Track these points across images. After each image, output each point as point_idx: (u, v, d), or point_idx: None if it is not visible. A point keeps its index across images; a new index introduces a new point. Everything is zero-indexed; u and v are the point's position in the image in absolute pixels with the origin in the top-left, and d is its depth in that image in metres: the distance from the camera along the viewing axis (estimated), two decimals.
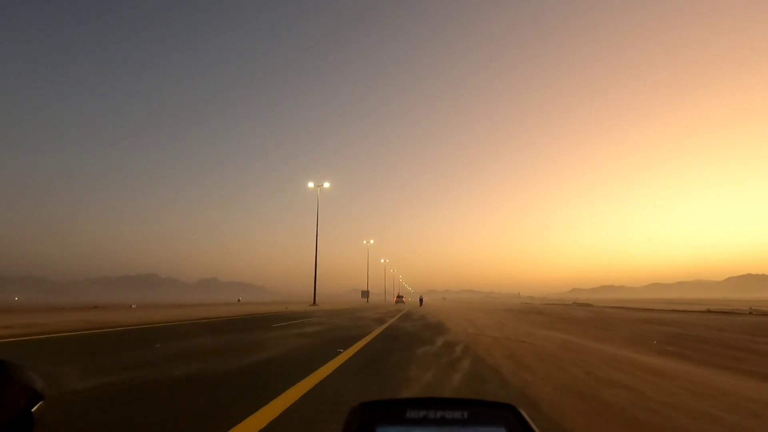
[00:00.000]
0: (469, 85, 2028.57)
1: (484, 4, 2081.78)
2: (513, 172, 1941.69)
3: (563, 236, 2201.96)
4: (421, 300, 59.59)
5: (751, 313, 24.13)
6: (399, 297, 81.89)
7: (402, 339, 9.33)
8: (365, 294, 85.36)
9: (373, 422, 0.74)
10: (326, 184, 42.13)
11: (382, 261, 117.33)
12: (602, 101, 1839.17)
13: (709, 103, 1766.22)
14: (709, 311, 28.33)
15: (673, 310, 30.19)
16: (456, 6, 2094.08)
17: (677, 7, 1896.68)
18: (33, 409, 0.71)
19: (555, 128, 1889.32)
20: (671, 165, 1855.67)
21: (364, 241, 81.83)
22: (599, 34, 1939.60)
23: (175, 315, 18.67)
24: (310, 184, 42.19)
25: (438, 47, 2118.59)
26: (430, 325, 12.95)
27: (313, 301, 40.66)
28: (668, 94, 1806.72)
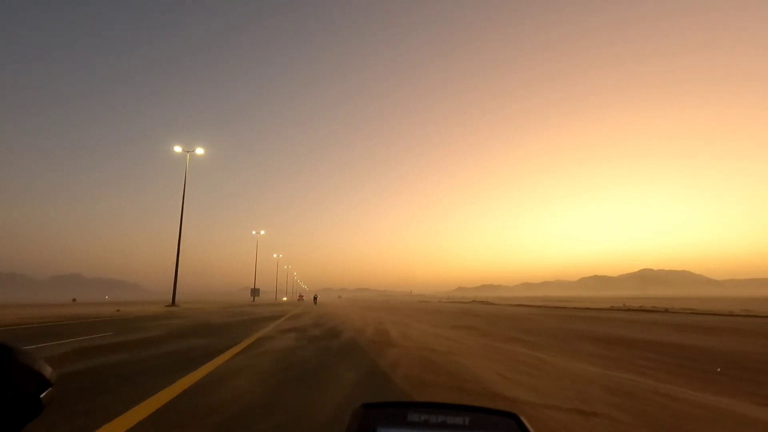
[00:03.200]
0: (370, 90, 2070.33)
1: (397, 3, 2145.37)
2: (406, 178, 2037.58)
3: (449, 239, 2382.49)
4: (315, 298, 53.88)
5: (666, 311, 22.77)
6: (301, 296, 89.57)
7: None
8: (254, 292, 76.73)
9: (374, 424, 0.75)
10: (199, 150, 33.00)
11: (275, 256, 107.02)
12: (488, 118, 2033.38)
13: (574, 125, 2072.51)
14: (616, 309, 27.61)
15: (596, 309, 28.60)
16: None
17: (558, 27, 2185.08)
18: (42, 395, 0.73)
19: (447, 138, 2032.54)
20: (539, 180, 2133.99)
21: (253, 232, 71.81)
22: (478, 55, 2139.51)
23: None
24: (177, 149, 32.68)
25: (337, 45, 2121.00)
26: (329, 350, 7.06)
27: (171, 301, 31.26)
28: (542, 115, 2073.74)
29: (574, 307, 30.70)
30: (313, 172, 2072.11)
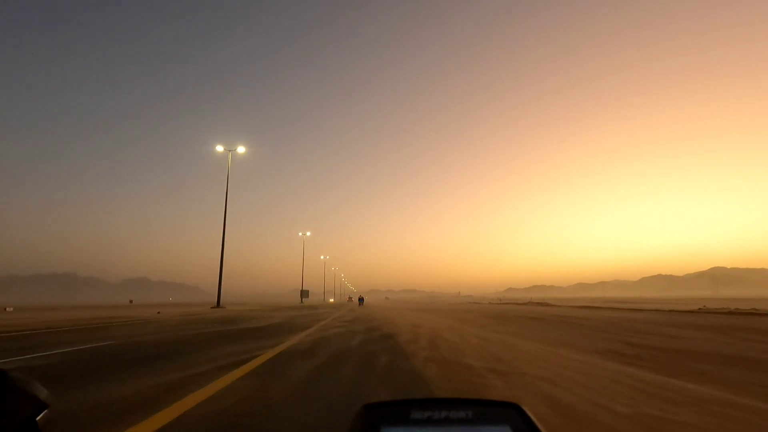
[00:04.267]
0: (419, 90, 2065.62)
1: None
2: (454, 178, 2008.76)
3: (499, 239, 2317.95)
4: (360, 300, 52.68)
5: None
6: (350, 298, 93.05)
7: None
8: (304, 294, 77.73)
9: (377, 423, 0.73)
10: (240, 149, 32.48)
11: (322, 258, 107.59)
12: (540, 115, 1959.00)
13: (631, 123, 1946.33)
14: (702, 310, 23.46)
15: (672, 310, 24.60)
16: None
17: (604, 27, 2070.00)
18: (38, 418, 0.72)
19: (497, 137, 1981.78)
20: (594, 178, 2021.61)
21: (300, 233, 71.99)
22: (535, 48, 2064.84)
23: None
24: (219, 148, 32.36)
25: (387, 46, 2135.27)
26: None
27: (216, 303, 30.84)
28: (600, 112, 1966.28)
29: (680, 311, 26.53)
30: (360, 173, 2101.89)
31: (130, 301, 61.69)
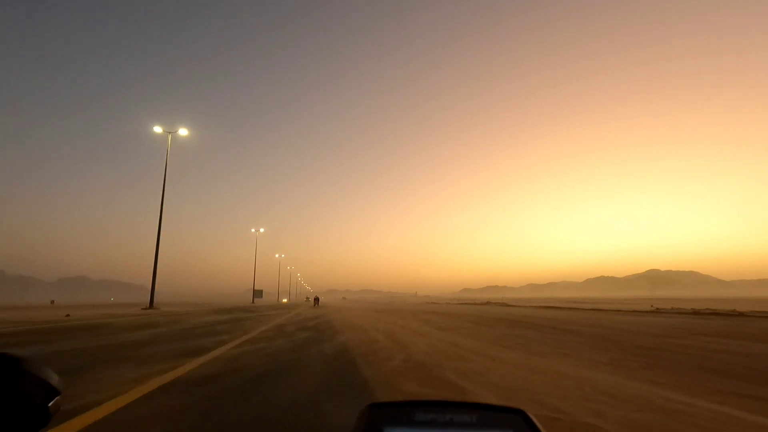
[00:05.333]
0: (376, 92, 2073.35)
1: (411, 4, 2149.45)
2: (412, 181, 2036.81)
3: (454, 241, 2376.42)
4: (316, 300, 50.11)
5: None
6: (308, 298, 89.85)
7: None
8: (258, 294, 75.38)
9: (381, 424, 0.73)
10: (182, 131, 28.81)
11: (277, 256, 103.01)
12: (492, 120, 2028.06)
13: (579, 126, 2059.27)
14: (658, 310, 23.14)
15: (631, 311, 24.03)
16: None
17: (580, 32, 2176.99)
18: (50, 404, 0.74)
19: (451, 140, 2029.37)
20: (545, 183, 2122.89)
21: (252, 229, 67.73)
22: (491, 53, 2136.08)
23: None
24: (158, 129, 28.54)
25: (351, 46, 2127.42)
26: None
27: (149, 304, 27.07)
28: (550, 119, 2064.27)
29: (634, 311, 26.02)
30: (317, 172, 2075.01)
31: (52, 302, 55.49)
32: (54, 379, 0.74)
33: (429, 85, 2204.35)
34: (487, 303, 55.62)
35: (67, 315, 17.56)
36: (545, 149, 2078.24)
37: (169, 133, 28.70)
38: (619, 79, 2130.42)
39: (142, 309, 26.08)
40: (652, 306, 32.79)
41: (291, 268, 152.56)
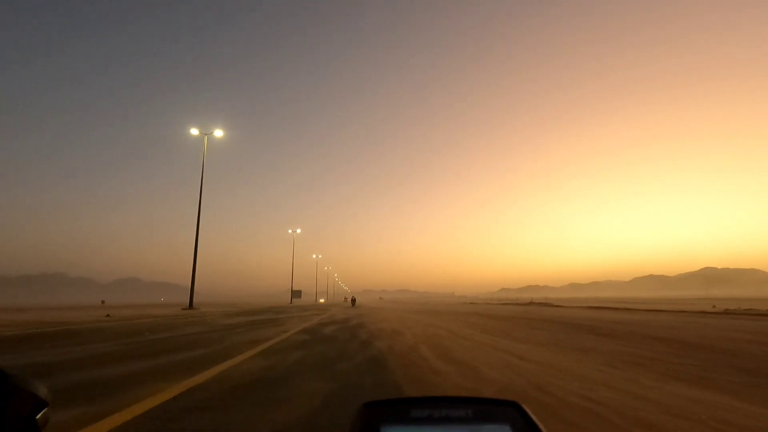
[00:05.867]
0: (415, 88, 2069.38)
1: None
2: (449, 179, 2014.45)
3: (492, 239, 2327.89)
4: (353, 301, 49.91)
5: None
6: (345, 298, 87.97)
7: None
8: (296, 294, 76.64)
9: (377, 422, 0.73)
10: (218, 132, 29.07)
11: (314, 257, 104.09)
12: (536, 117, 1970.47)
13: (623, 124, 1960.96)
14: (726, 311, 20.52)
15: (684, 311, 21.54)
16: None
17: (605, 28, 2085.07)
18: (37, 416, 0.74)
19: (492, 139, 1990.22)
20: (587, 179, 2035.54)
21: (290, 230, 68.55)
22: (526, 50, 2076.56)
23: None
24: (194, 131, 28.91)
25: (383, 47, 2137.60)
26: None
27: (188, 304, 27.40)
28: (593, 113, 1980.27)
29: (701, 311, 23.48)
30: (355, 174, 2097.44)
31: (102, 302, 58.55)
32: (42, 391, 0.73)
33: (464, 81, 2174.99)
34: (530, 303, 53.05)
35: (108, 315, 17.72)
36: (587, 144, 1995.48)
37: (205, 134, 29.02)
38: (666, 71, 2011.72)
39: (182, 309, 26.40)
40: (714, 306, 29.69)
41: (328, 268, 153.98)
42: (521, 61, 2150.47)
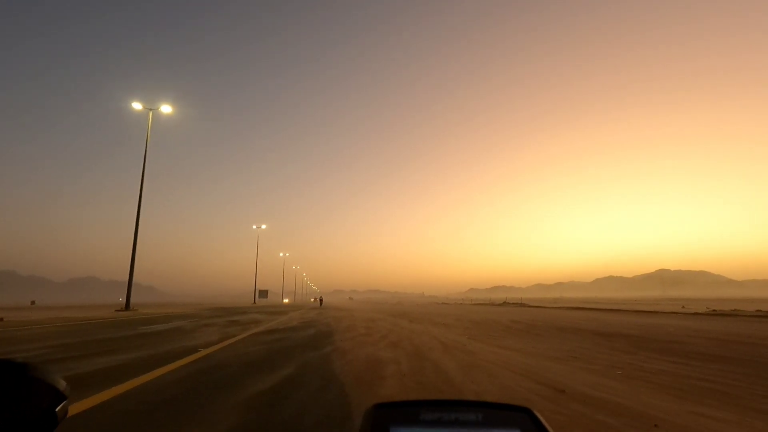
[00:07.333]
0: (383, 88, 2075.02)
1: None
2: (419, 181, 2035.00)
3: (460, 241, 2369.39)
4: (320, 301, 47.17)
5: None
6: (314, 298, 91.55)
7: None
8: (263, 294, 73.61)
9: (387, 423, 0.73)
10: (165, 108, 25.27)
11: (281, 255, 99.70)
12: (502, 120, 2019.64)
13: (588, 126, 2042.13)
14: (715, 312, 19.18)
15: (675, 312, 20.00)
16: None
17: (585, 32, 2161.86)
18: (56, 409, 0.74)
19: (459, 140, 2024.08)
20: (552, 183, 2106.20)
21: (254, 226, 64.43)
22: (500, 52, 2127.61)
23: None
24: (137, 105, 25.02)
25: (360, 44, 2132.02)
26: None
27: (125, 305, 23.55)
28: (557, 119, 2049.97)
29: (672, 312, 21.94)
30: (324, 172, 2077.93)
31: (32, 303, 53.15)
32: (61, 384, 0.73)
33: (437, 84, 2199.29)
34: (504, 303, 51.66)
35: (1, 319, 14.02)
36: (552, 150, 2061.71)
37: (150, 109, 25.21)
38: (624, 81, 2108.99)
39: (116, 311, 22.59)
40: (683, 307, 28.91)
41: (296, 267, 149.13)
42: (491, 66, 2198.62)
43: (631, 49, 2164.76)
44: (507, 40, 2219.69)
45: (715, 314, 19.34)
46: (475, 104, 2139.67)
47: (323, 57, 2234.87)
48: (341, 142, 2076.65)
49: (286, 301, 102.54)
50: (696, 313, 20.41)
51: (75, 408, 2.79)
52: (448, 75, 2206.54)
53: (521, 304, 44.65)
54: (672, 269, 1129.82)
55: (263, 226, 65.24)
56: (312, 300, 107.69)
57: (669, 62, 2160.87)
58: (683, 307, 30.32)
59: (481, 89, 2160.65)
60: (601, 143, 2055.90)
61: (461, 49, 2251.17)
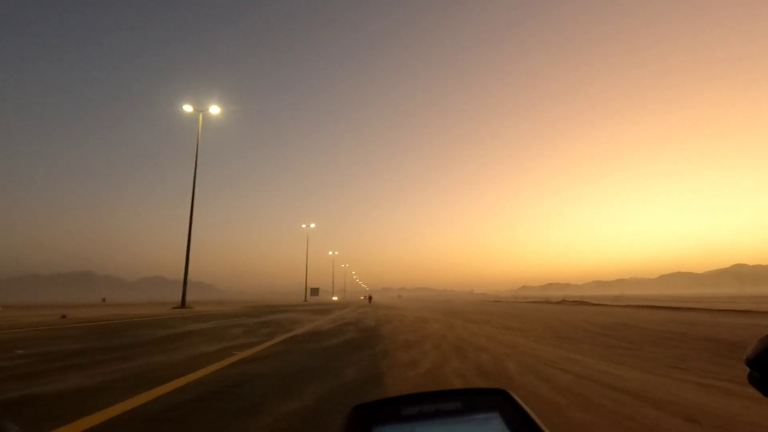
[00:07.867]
0: (436, 84, 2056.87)
1: None
2: (469, 177, 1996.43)
3: (512, 237, 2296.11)
4: (369, 299, 46.85)
5: None
6: (363, 296, 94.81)
7: None
8: (314, 292, 75.27)
9: (367, 424, 0.73)
10: (213, 109, 25.77)
11: (330, 253, 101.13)
12: (559, 114, 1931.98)
13: (651, 120, 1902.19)
14: None
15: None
16: None
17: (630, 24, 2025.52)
18: None
19: (511, 136, 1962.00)
20: (612, 175, 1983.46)
21: (303, 225, 65.52)
22: (547, 47, 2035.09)
23: None
24: (188, 108, 25.69)
25: (406, 43, 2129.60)
26: None
27: (181, 302, 24.24)
28: (619, 110, 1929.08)
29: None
30: (374, 172, 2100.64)
31: (103, 300, 57.44)
32: (12, 429, 0.71)
33: (488, 77, 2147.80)
34: (563, 301, 48.38)
35: (63, 316, 14.53)
36: (611, 142, 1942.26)
37: (200, 111, 25.78)
38: (695, 66, 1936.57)
39: (173, 308, 23.27)
40: None
41: (345, 265, 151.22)
42: (546, 57, 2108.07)
43: (697, 35, 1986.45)
44: (564, 32, 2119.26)
45: None
46: (527, 97, 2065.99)
47: (369, 54, 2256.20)
48: (389, 140, 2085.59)
49: (335, 298, 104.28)
50: None
51: None
52: (500, 68, 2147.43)
53: (582, 303, 41.49)
54: (750, 264, 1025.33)
55: (312, 225, 66.23)
56: (361, 298, 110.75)
57: (741, 47, 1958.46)
58: None
59: (534, 81, 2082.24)
60: (666, 134, 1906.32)
61: (516, 42, 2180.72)
